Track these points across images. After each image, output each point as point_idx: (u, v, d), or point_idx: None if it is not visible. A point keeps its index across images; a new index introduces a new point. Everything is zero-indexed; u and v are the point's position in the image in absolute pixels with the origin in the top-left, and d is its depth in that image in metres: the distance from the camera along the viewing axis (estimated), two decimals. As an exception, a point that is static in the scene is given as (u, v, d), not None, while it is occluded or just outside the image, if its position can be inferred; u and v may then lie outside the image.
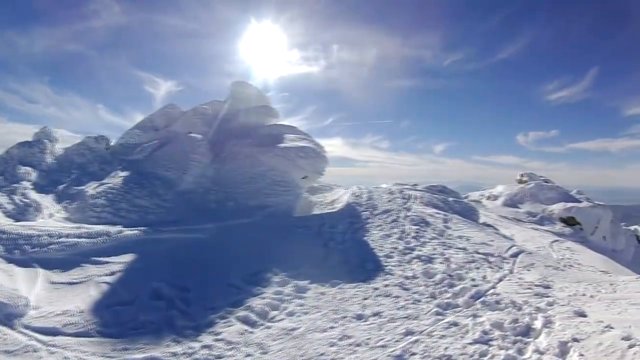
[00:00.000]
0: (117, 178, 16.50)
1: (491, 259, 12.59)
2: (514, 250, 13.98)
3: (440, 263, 11.60)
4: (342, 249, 12.23)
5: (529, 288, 10.28)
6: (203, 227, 12.82)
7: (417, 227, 14.68)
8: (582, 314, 8.48)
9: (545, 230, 25.85)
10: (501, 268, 12.00)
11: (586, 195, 34.96)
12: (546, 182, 35.39)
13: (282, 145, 17.85)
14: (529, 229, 24.72)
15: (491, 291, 9.88)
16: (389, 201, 17.56)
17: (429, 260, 11.76)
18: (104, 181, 16.47)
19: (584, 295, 9.98)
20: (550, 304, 9.11)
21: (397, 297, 9.24)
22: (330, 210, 16.58)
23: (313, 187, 20.88)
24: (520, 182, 36.71)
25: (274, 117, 21.92)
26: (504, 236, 17.34)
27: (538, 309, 8.78)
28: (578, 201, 31.93)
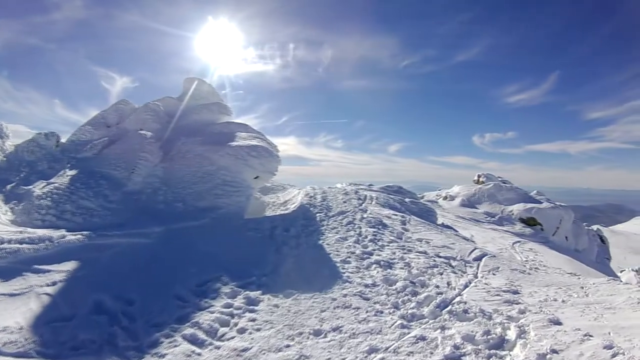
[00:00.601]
0: (64, 177, 15.40)
1: (454, 263, 11.85)
2: (476, 253, 13.28)
3: (401, 269, 10.72)
4: (296, 255, 11.28)
5: (497, 294, 9.48)
6: (150, 231, 11.87)
7: (374, 229, 13.93)
8: (557, 322, 7.77)
9: (505, 231, 25.86)
10: (465, 273, 11.24)
11: (546, 196, 34.88)
12: (504, 182, 35.36)
13: (233, 144, 16.94)
14: (488, 230, 24.63)
15: (457, 299, 9.01)
16: (344, 202, 16.86)
17: (389, 265, 10.90)
18: (51, 181, 15.32)
19: (555, 300, 9.34)
20: (522, 312, 8.33)
21: (358, 308, 8.28)
22: (283, 212, 15.83)
23: (265, 187, 20.26)
24: (478, 182, 36.88)
25: (226, 115, 21.22)
26: (465, 238, 16.79)
27: (510, 318, 7.99)
28: (538, 202, 31.99)
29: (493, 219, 28.25)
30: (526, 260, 16.36)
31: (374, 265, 10.72)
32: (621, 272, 32.60)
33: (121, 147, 17.62)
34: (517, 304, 8.89)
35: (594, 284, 11.05)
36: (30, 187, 14.94)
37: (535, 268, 13.73)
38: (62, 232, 11.15)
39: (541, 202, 31.92)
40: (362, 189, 20.72)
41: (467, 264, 12.02)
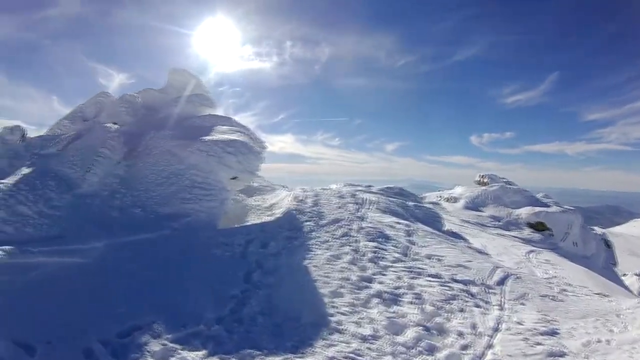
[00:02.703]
0: (14, 177, 13.30)
1: (474, 290, 9.56)
2: (498, 274, 11.04)
3: (411, 304, 8.20)
4: (271, 284, 8.86)
5: (537, 343, 7.33)
6: (88, 247, 9.77)
7: (374, 243, 11.51)
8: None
9: (513, 237, 24.14)
10: (489, 303, 9.02)
11: (554, 199, 32.97)
12: (509, 184, 33.47)
13: (206, 138, 14.67)
14: (498, 237, 22.77)
15: (490, 357, 6.68)
16: (339, 207, 14.50)
17: (395, 299, 8.35)
18: (0, 180, 13.25)
19: (599, 342, 7.67)
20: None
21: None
22: (265, 220, 13.52)
23: (251, 188, 18.21)
24: (480, 183, 35.27)
25: (209, 107, 19.22)
26: (479, 251, 14.58)
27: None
28: (545, 205, 30.35)
29: (499, 223, 26.55)
30: (548, 278, 14.10)
31: (375, 300, 8.24)
32: (623, 275, 31.84)
33: (83, 143, 15.49)
34: (561, 357, 6.96)
35: (628, 309, 9.72)
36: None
37: (563, 290, 11.47)
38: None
39: (549, 206, 30.33)
40: (359, 190, 18.48)
41: (489, 290, 9.82)
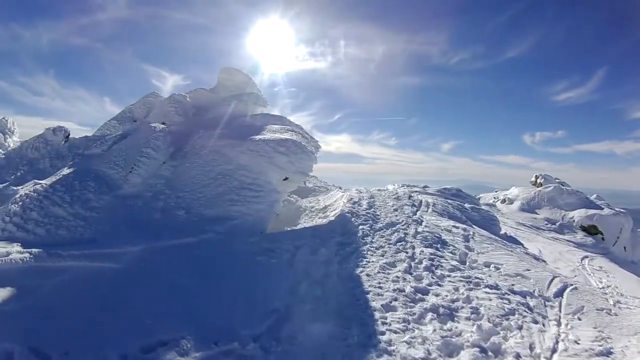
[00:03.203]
0: (53, 178, 13.33)
1: (532, 303, 9.26)
2: (556, 284, 10.68)
3: (467, 319, 7.99)
4: (319, 296, 8.52)
5: None
6: (123, 251, 9.44)
7: (431, 250, 11.30)
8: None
9: (567, 241, 23.86)
10: (546, 318, 8.76)
11: (606, 200, 32.16)
12: (562, 185, 32.79)
13: (257, 137, 14.41)
14: (552, 242, 22.49)
15: (548, 380, 6.40)
16: (395, 210, 14.31)
17: (450, 313, 8.13)
18: (40, 181, 13.42)
19: None
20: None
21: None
22: (318, 223, 13.28)
23: (306, 188, 18.08)
24: (535, 184, 34.80)
25: (261, 106, 18.97)
26: (535, 258, 14.18)
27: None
28: (598, 207, 29.69)
29: (554, 226, 26.35)
30: (603, 288, 14.01)
31: (430, 315, 7.98)
32: None
33: (128, 143, 15.53)
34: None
35: None
36: (20, 187, 12.93)
37: (617, 302, 11.20)
38: (15, 246, 9.14)
39: (602, 208, 29.64)
40: (416, 191, 18.34)
41: (547, 303, 9.55)
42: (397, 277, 9.46)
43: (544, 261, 14.35)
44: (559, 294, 10.24)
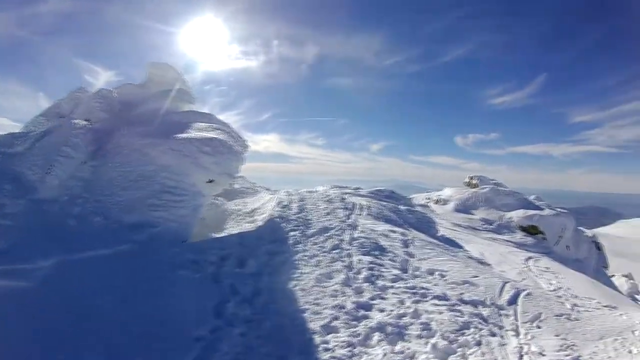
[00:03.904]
0: None
1: (485, 312, 8.52)
2: (507, 291, 10.00)
3: (419, 338, 6.91)
4: (249, 318, 7.23)
5: None
6: (35, 266, 7.83)
7: (369, 257, 10.23)
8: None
9: (506, 241, 23.43)
10: (503, 328, 8.09)
11: (546, 201, 32.23)
12: (498, 185, 32.69)
13: (181, 135, 13.08)
14: (492, 242, 21.85)
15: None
16: (328, 214, 13.26)
17: (399, 332, 7.03)
18: None
19: None
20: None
21: None
22: (245, 229, 12.07)
23: (232, 190, 16.82)
24: (470, 185, 34.44)
25: (188, 103, 17.81)
26: (480, 261, 13.49)
27: None
28: (538, 208, 29.53)
29: (491, 226, 25.72)
30: (555, 290, 13.36)
31: (377, 335, 6.88)
32: (611, 277, 31.50)
33: (50, 141, 13.76)
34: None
35: None
36: None
37: (574, 305, 10.63)
38: None
39: (542, 209, 29.48)
40: (348, 193, 17.37)
41: (501, 312, 8.86)
42: (335, 290, 8.34)
43: (489, 265, 13.80)
44: (513, 301, 9.61)
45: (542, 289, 12.64)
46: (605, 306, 11.16)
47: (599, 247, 32.19)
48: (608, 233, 62.08)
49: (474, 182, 34.26)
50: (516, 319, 8.65)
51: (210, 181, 12.46)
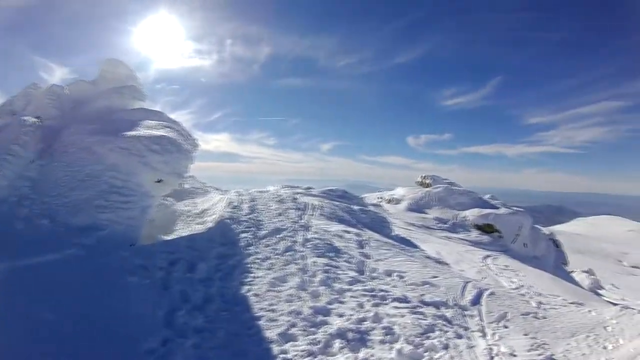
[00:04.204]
0: None
1: (449, 314, 8.19)
2: (469, 291, 9.74)
3: (382, 343, 6.44)
4: (201, 327, 6.62)
5: None
6: None
7: (324, 259, 9.77)
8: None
9: (461, 239, 23.51)
10: (469, 329, 7.78)
11: (501, 200, 32.42)
12: (452, 184, 32.79)
13: (129, 133, 12.42)
14: (447, 241, 21.89)
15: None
16: (280, 214, 12.83)
17: (361, 337, 6.55)
18: None
19: None
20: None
21: None
22: (194, 231, 11.48)
23: (182, 190, 16.18)
24: (422, 184, 34.55)
25: (139, 100, 17.22)
26: (438, 261, 13.15)
27: None
28: (493, 207, 29.70)
29: (445, 225, 25.74)
30: (517, 288, 13.32)
31: (338, 342, 6.36)
32: (570, 273, 31.10)
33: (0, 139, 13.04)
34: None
35: (612, 319, 9.28)
36: None
37: (539, 303, 10.36)
38: None
39: (497, 207, 29.70)
40: (299, 193, 17.08)
41: (465, 312, 8.56)
42: (290, 295, 7.80)
43: (447, 264, 13.51)
44: (476, 301, 9.34)
45: (504, 287, 12.57)
46: (571, 303, 10.96)
47: (557, 244, 32.55)
48: (565, 230, 63.23)
49: (426, 181, 34.36)
50: (481, 320, 8.36)
51: (159, 181, 11.90)
